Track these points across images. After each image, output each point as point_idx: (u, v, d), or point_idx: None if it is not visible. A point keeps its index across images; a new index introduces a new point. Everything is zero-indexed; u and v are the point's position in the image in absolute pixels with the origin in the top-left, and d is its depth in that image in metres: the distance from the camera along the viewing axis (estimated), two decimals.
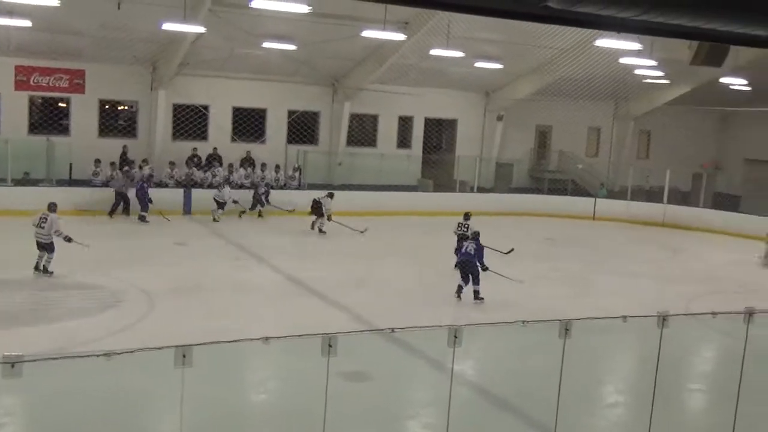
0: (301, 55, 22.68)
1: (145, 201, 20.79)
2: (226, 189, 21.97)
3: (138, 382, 7.97)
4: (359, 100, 25.98)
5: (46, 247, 14.18)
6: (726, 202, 29.09)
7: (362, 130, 27.55)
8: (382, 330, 6.54)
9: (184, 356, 5.47)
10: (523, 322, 6.60)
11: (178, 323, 11.67)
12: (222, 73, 23.86)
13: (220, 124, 24.74)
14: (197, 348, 5.49)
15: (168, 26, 17.82)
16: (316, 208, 20.84)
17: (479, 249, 14.43)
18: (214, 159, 24.12)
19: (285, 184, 24.21)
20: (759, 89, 28.18)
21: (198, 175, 23.12)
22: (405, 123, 28.21)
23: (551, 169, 30.63)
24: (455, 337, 6.31)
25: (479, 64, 24.18)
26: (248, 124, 25.36)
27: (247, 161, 24.44)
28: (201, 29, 18.60)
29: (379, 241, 20.27)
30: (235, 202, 21.82)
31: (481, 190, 27.32)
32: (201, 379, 5.87)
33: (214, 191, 22.01)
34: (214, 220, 21.44)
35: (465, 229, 16.63)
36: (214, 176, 23.05)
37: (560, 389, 7.01)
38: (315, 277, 15.44)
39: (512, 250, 17.63)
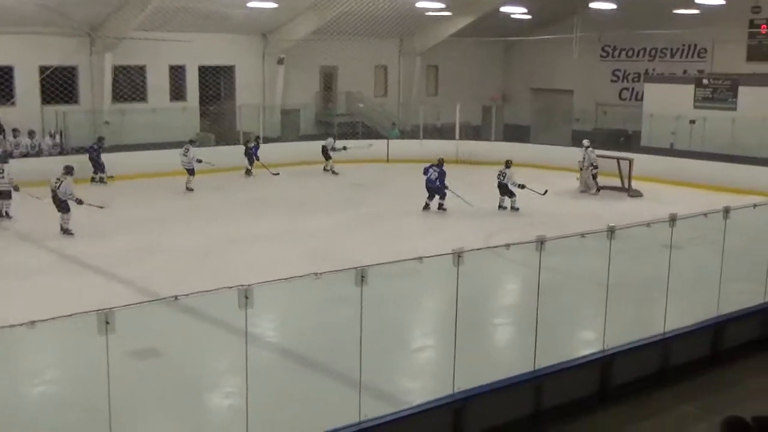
0: (49, 1, 21.28)
1: (99, 163, 22.29)
2: (191, 152, 22.10)
3: None
4: (122, 51, 24.83)
5: (61, 206, 16.18)
6: (516, 133, 30.93)
7: (129, 84, 26.41)
8: (165, 299, 6.40)
9: None
10: (316, 274, 6.71)
11: None
12: None
13: None
14: None
15: None
16: (325, 153, 25.28)
17: (441, 174, 18.88)
18: None
19: (40, 151, 22.85)
20: (538, 18, 30.00)
21: None
22: (177, 73, 27.37)
23: (340, 113, 31.00)
24: (246, 297, 6.31)
25: (252, 4, 23.85)
26: None
27: None
28: None
29: (164, 207, 19.76)
30: (199, 161, 22.06)
31: (267, 140, 27.18)
32: None
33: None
34: (188, 189, 21.70)
35: (503, 177, 19.30)
36: None
37: (362, 339, 7.22)
38: (92, 253, 14.81)
39: (546, 191, 19.82)
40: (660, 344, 9.61)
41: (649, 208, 18.47)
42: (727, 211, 10.32)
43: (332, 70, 31.17)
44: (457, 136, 27.88)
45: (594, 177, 22.32)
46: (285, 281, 7.04)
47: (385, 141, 28.33)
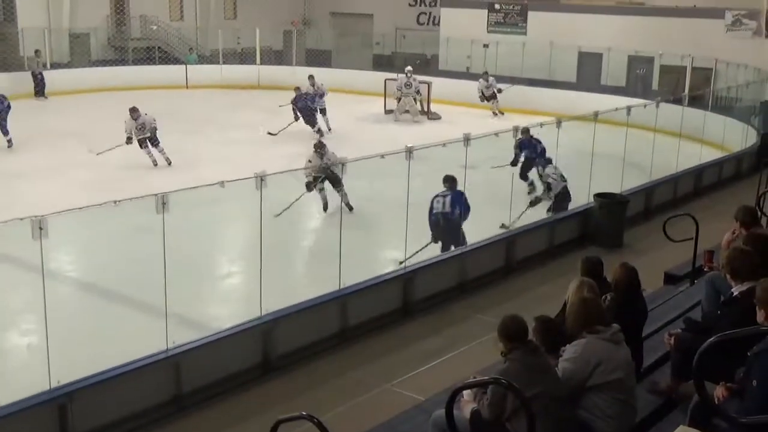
0: None
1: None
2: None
3: None
4: None
5: None
6: (317, 58, 30.89)
7: None
8: None
9: None
10: (115, 201, 6.51)
11: None
12: None
13: None
14: None
15: None
16: (483, 96, 23.97)
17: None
18: None
19: None
20: None
21: None
22: None
23: (135, 37, 29.68)
24: (40, 228, 6.03)
25: None
26: None
27: None
28: None
29: None
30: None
31: (55, 66, 25.64)
32: None
33: None
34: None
35: None
36: None
37: (165, 267, 7.12)
38: None
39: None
40: (458, 259, 10.10)
41: (447, 130, 19.11)
42: (516, 131, 10.88)
43: None
44: (258, 61, 27.50)
45: (418, 102, 22.67)
46: (81, 211, 6.78)
47: (184, 67, 27.47)
